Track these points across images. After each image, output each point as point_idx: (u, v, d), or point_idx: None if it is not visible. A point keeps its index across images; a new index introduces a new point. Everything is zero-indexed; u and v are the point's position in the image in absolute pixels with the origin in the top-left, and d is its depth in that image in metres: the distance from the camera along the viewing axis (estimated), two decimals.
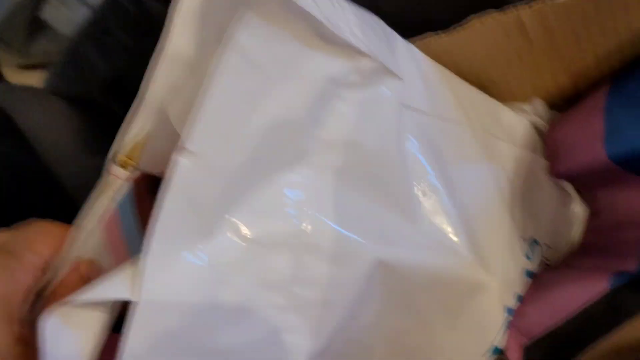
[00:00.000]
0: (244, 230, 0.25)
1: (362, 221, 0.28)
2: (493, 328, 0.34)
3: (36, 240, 0.26)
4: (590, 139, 0.34)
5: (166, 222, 0.22)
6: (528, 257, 0.36)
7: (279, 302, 0.26)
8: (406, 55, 0.32)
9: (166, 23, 0.29)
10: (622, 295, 0.30)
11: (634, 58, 0.35)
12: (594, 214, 0.39)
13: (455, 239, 0.31)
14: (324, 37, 0.26)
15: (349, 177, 0.28)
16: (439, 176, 0.31)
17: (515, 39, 0.34)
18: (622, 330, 0.30)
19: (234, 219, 0.24)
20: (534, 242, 0.38)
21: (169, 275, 0.23)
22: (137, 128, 0.29)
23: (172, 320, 0.23)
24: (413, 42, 0.33)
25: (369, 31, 0.28)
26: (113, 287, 0.22)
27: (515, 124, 0.38)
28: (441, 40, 0.35)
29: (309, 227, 0.26)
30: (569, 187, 0.41)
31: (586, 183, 0.38)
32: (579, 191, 0.41)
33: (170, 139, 0.27)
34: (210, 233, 0.24)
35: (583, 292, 0.32)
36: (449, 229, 0.31)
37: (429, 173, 0.30)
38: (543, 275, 0.36)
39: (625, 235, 0.35)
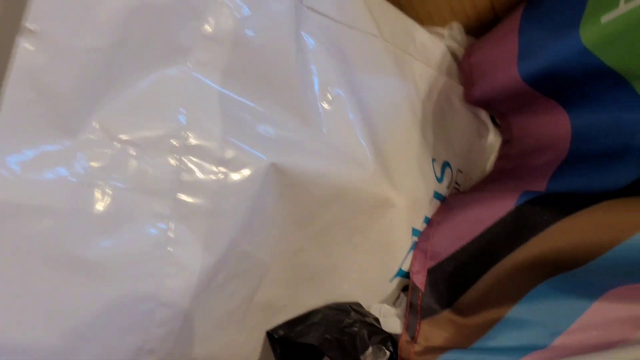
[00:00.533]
0: (115, 128, 0.22)
1: (252, 125, 0.26)
2: (400, 250, 0.33)
3: None
4: (504, 61, 0.33)
5: (13, 115, 0.20)
6: (438, 179, 0.35)
7: (162, 210, 0.24)
8: None
9: None
10: (527, 212, 0.30)
11: None
12: (506, 142, 0.39)
13: (359, 149, 0.29)
14: None
15: (237, 77, 0.25)
16: (344, 84, 0.29)
17: None
18: (526, 247, 0.29)
19: (101, 116, 0.22)
20: (445, 165, 0.37)
21: (28, 172, 0.20)
22: None
23: (31, 224, 0.20)
24: None
25: None
26: None
27: (430, 46, 0.36)
28: None
29: (193, 127, 0.24)
30: (484, 117, 0.40)
31: (500, 109, 0.38)
32: (493, 121, 0.41)
33: None
34: (74, 130, 0.21)
35: (490, 212, 0.32)
36: (353, 140, 0.29)
37: (332, 80, 0.29)
38: (451, 199, 0.35)
39: (535, 160, 0.34)
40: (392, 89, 0.32)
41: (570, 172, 0.32)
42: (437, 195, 0.36)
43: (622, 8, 0.26)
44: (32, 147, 0.20)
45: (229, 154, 0.25)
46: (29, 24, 0.20)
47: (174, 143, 0.23)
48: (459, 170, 0.39)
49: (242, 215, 0.26)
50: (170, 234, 0.24)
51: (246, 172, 0.25)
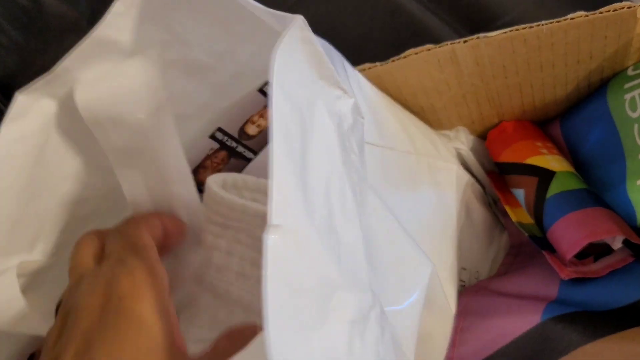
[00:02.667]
0: (348, 311, 0.21)
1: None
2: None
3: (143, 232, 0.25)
4: None
5: (278, 322, 0.18)
6: None
7: None
8: (354, 82, 0.31)
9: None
10: (553, 329, 0.31)
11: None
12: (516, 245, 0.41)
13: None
14: (325, 77, 0.25)
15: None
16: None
17: (446, 70, 0.35)
18: None
19: (340, 305, 0.21)
20: None
21: None
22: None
23: None
24: None
25: (331, 58, 0.27)
26: None
27: (446, 147, 0.38)
28: (376, 69, 0.34)
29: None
30: (501, 218, 0.42)
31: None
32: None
33: None
34: (322, 322, 0.20)
35: (515, 325, 0.33)
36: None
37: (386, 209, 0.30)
38: (472, 302, 0.36)
39: (543, 261, 0.36)
40: (431, 201, 0.34)
41: (581, 280, 0.34)
42: None
43: None
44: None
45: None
46: (274, 219, 0.19)
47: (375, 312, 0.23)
48: (463, 268, 0.40)
49: None
50: None
51: None
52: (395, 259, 0.29)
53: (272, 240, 0.18)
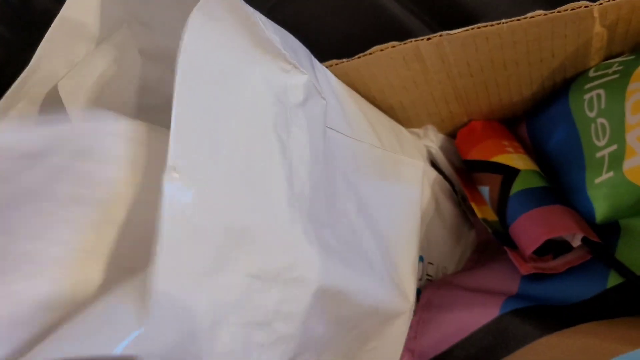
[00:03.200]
0: (251, 264, 0.22)
1: (340, 249, 0.27)
2: (398, 351, 0.34)
3: None
4: None
5: (167, 264, 0.19)
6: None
7: (261, 339, 0.24)
8: (322, 76, 0.32)
9: None
10: (512, 322, 0.32)
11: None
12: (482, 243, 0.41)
13: (380, 268, 0.31)
14: (262, 47, 0.25)
15: (320, 205, 0.26)
16: (359, 202, 0.31)
17: (412, 67, 0.35)
18: (511, 358, 0.31)
19: (243, 254, 0.22)
20: (420, 258, 0.39)
21: (172, 327, 0.20)
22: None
23: None
24: None
25: (291, 50, 0.27)
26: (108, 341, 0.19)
27: (415, 145, 0.39)
28: (342, 65, 0.35)
29: (300, 258, 0.24)
30: (469, 215, 0.43)
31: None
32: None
33: None
34: (217, 269, 0.21)
35: (474, 318, 0.33)
36: (376, 258, 0.31)
37: (351, 198, 0.30)
38: (434, 297, 0.37)
39: (506, 258, 0.37)
40: (396, 195, 0.34)
41: (541, 276, 0.34)
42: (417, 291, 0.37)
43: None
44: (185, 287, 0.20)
45: (322, 283, 0.25)
46: (172, 161, 0.20)
47: (285, 275, 0.24)
48: (430, 263, 0.40)
49: (304, 334, 0.26)
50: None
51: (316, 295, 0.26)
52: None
53: (171, 183, 0.19)
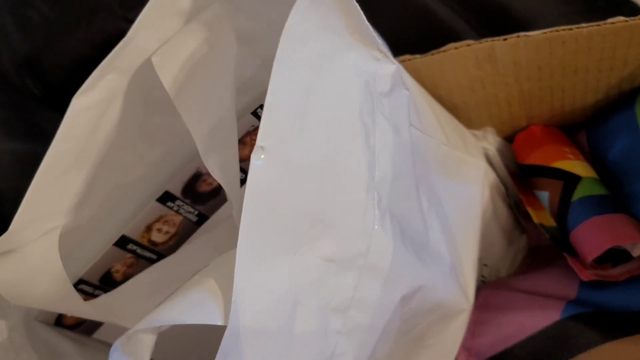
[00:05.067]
0: (326, 248, 0.23)
1: (413, 241, 0.27)
2: (455, 349, 0.34)
3: None
4: None
5: (250, 238, 0.20)
6: None
7: (338, 326, 0.24)
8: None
9: None
10: (573, 327, 0.32)
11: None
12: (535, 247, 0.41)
13: (447, 264, 0.31)
14: (361, 34, 0.25)
15: (398, 194, 0.27)
16: (431, 196, 0.31)
17: (483, 67, 0.36)
18: None
19: (318, 239, 0.22)
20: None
21: (255, 299, 0.21)
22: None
23: (253, 345, 0.21)
24: None
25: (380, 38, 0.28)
26: (204, 314, 0.20)
27: (477, 146, 0.39)
28: (415, 61, 0.35)
29: (375, 245, 0.24)
30: (522, 221, 0.43)
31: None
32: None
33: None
34: (294, 250, 0.22)
35: (534, 321, 0.33)
36: (444, 254, 0.31)
37: (425, 192, 0.30)
38: (492, 297, 0.37)
39: (562, 263, 0.37)
40: (460, 192, 0.34)
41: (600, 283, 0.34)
42: None
43: None
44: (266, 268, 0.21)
45: (393, 273, 0.26)
46: (262, 142, 0.20)
47: (360, 261, 0.24)
48: (485, 265, 0.40)
49: (382, 329, 0.26)
50: (337, 348, 0.24)
51: (398, 289, 0.26)
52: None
53: (258, 162, 0.20)
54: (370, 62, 0.26)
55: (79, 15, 0.54)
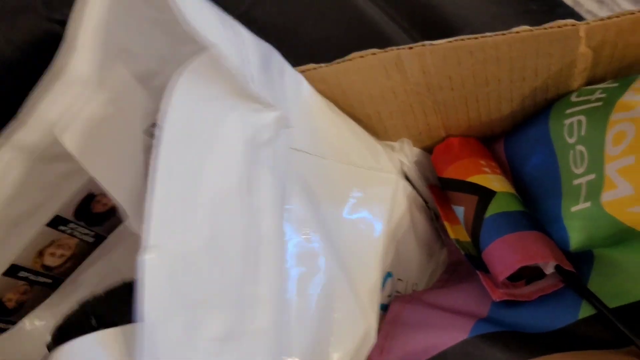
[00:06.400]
0: (215, 330, 0.23)
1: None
2: None
3: None
4: None
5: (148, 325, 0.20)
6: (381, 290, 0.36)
7: None
8: (293, 88, 0.31)
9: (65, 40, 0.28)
10: (481, 347, 0.30)
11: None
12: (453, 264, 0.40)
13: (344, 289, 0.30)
14: (240, 92, 0.26)
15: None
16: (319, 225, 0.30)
17: (392, 76, 0.34)
18: None
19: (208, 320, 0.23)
20: (388, 275, 0.37)
21: None
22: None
23: None
24: None
25: (267, 69, 0.28)
26: None
27: (390, 159, 0.37)
28: (320, 70, 0.33)
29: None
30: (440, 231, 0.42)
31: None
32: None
33: None
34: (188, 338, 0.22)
35: (443, 339, 0.32)
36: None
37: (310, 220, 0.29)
38: (404, 311, 0.35)
39: (478, 279, 0.35)
40: (360, 213, 0.33)
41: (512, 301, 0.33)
42: (382, 307, 0.36)
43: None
44: None
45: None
46: (150, 240, 0.21)
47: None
48: (399, 279, 0.39)
49: None
50: None
51: None
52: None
53: (147, 260, 0.21)
54: (252, 115, 0.26)
55: (1, 15, 0.52)
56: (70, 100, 0.28)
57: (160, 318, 0.21)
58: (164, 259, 0.21)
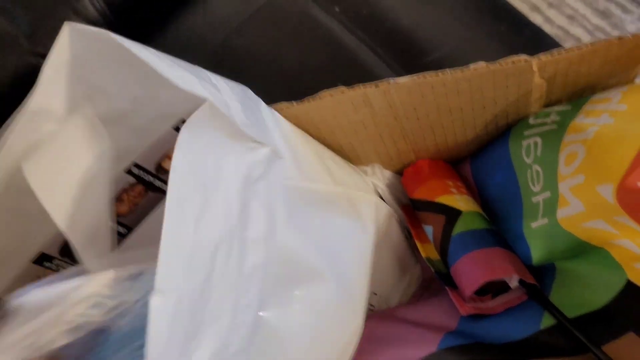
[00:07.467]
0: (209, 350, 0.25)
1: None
2: None
3: None
4: None
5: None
6: None
7: None
8: (272, 122, 0.33)
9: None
10: (447, 358, 0.33)
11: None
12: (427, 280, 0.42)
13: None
14: (233, 135, 0.28)
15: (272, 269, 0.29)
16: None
17: (361, 111, 0.36)
18: None
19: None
20: None
21: None
22: None
23: None
24: None
25: (247, 109, 0.30)
26: None
27: (364, 181, 0.40)
28: (292, 108, 0.35)
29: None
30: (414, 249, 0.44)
31: None
32: None
33: None
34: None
35: (413, 352, 0.34)
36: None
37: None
38: (377, 326, 0.38)
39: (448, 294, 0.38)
40: (348, 233, 0.35)
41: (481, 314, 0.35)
42: None
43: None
44: None
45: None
46: (160, 285, 0.23)
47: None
48: (374, 293, 0.41)
49: None
50: None
51: None
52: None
53: (157, 302, 0.23)
54: (247, 154, 0.29)
55: None
56: (33, 133, 0.29)
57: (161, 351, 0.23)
58: (168, 302, 0.24)
